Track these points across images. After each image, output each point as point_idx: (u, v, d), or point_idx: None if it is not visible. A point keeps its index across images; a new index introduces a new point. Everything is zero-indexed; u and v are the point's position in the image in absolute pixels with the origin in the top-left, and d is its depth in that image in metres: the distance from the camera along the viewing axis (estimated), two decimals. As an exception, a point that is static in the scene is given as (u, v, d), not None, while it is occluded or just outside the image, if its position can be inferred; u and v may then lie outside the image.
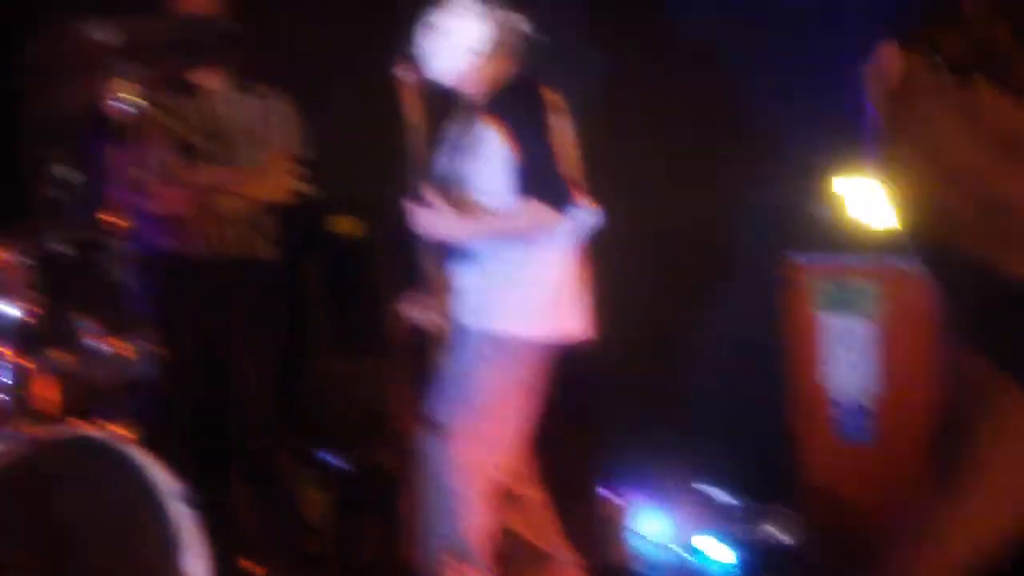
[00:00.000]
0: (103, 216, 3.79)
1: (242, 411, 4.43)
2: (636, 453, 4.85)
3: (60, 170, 3.78)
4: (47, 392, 3.62)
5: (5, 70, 4.12)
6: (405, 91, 3.97)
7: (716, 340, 4.92)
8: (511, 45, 3.98)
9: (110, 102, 3.86)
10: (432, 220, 3.95)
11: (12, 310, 3.51)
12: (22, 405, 3.50)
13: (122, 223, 3.80)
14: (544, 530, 4.14)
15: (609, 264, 4.11)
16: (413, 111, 3.97)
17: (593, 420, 4.96)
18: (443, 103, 4.05)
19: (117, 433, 3.49)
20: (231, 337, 4.51)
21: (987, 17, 2.65)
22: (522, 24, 3.98)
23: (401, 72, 3.97)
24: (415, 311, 4.08)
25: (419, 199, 3.94)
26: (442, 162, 4.02)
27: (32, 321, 3.53)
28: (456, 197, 3.94)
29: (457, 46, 3.94)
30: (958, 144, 2.63)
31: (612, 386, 5.00)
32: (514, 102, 3.91)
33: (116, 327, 3.66)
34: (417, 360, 4.17)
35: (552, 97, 3.95)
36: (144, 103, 4.46)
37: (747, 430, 4.70)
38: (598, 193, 3.96)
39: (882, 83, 2.72)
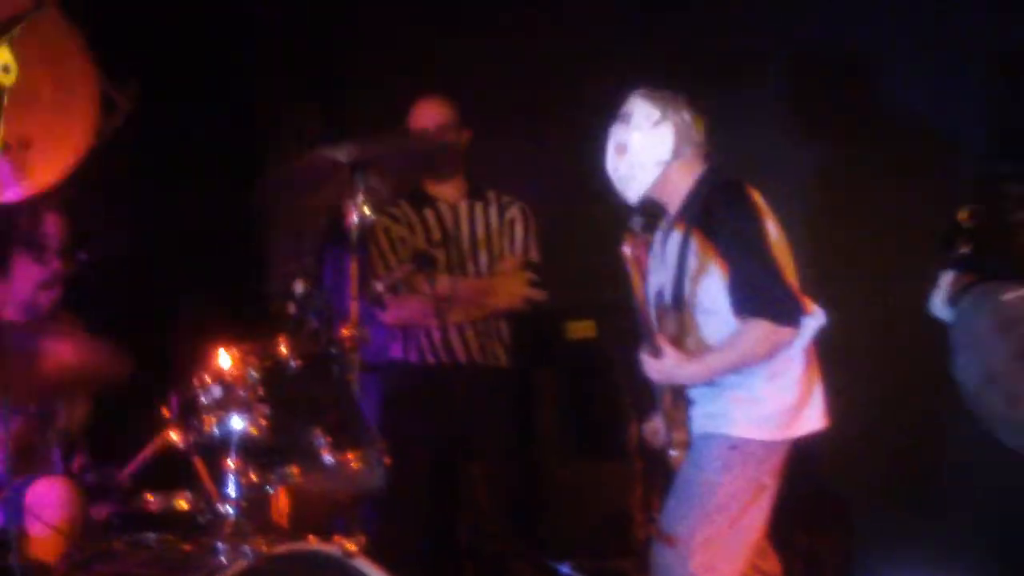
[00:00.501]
0: (338, 328, 3.85)
1: (477, 520, 4.42)
2: (887, 547, 4.65)
3: (298, 284, 3.85)
4: (279, 506, 3.67)
5: (248, 186, 4.24)
6: (632, 263, 3.88)
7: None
8: (697, 146, 3.88)
9: (347, 216, 3.95)
10: (662, 368, 3.80)
11: (244, 424, 3.57)
12: (252, 520, 3.54)
13: (357, 335, 3.85)
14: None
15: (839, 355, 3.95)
16: (638, 279, 3.89)
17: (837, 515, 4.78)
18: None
19: (349, 547, 3.48)
20: (467, 445, 4.52)
21: None
22: (703, 123, 3.88)
23: (627, 248, 3.87)
24: (651, 431, 4.00)
25: (648, 347, 3.83)
26: (658, 283, 3.92)
27: (264, 435, 3.58)
28: (680, 325, 3.83)
29: (643, 161, 3.88)
30: None
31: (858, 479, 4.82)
32: (713, 210, 3.76)
33: (347, 439, 3.68)
34: (656, 467, 4.08)
35: (754, 196, 3.80)
36: (381, 216, 4.64)
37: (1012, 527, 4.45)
38: (822, 287, 3.81)
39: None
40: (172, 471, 3.74)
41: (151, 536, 3.61)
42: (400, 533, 4.08)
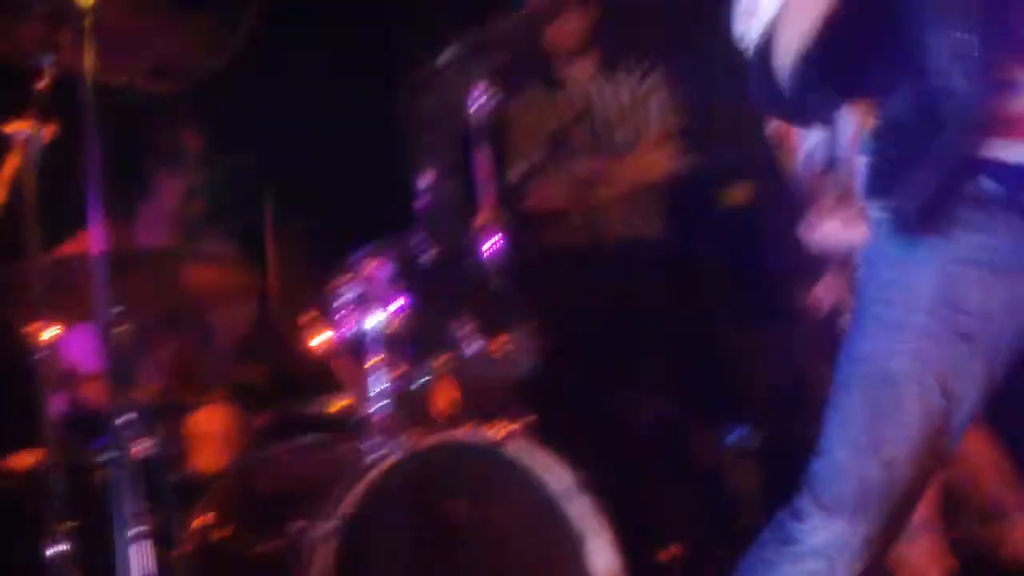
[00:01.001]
0: (476, 218, 3.80)
1: (645, 394, 4.33)
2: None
3: (429, 178, 3.81)
4: (435, 398, 3.65)
5: (378, 88, 4.20)
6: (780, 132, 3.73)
7: None
8: None
9: (475, 105, 3.88)
10: (824, 234, 3.66)
11: (383, 320, 3.57)
12: (407, 413, 3.53)
13: (496, 223, 3.79)
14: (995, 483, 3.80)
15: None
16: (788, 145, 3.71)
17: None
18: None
19: (509, 433, 3.46)
20: (625, 320, 4.43)
21: None
22: None
23: None
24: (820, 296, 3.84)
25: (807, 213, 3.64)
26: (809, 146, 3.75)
27: (405, 329, 3.57)
28: (837, 186, 3.65)
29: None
30: None
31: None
32: None
33: (494, 327, 3.64)
34: (825, 332, 3.93)
35: None
36: (511, 103, 4.56)
37: None
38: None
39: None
40: (324, 374, 3.79)
41: (307, 439, 3.68)
42: (567, 419, 3.99)
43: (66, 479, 3.09)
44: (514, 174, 4.36)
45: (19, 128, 3.15)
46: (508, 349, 3.67)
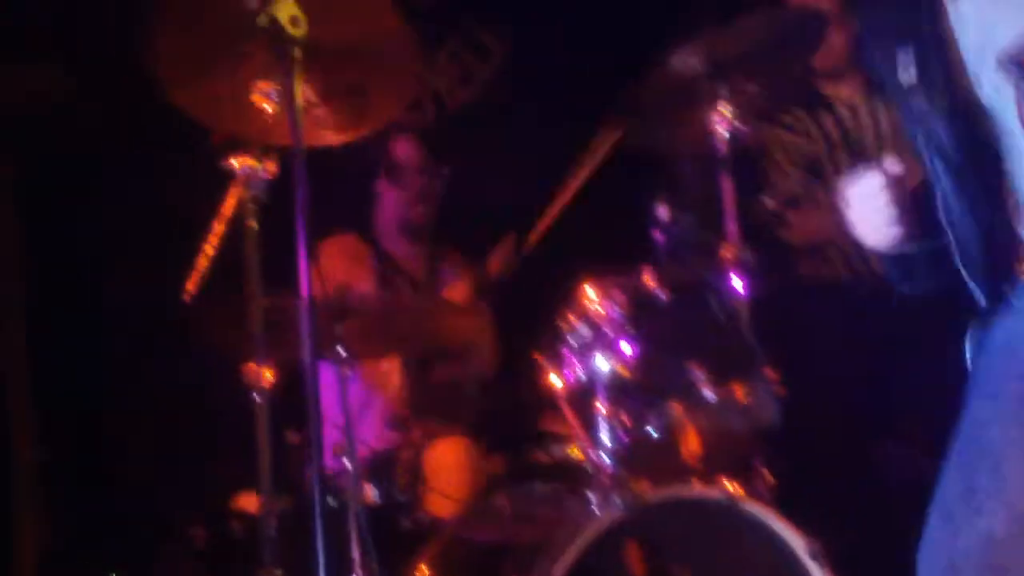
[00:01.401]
0: (719, 253, 3.54)
1: (910, 450, 3.94)
2: None
3: (662, 210, 3.57)
4: (669, 449, 3.40)
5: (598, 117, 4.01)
6: None
7: None
8: None
9: (715, 132, 3.63)
10: None
11: (610, 364, 3.34)
12: (638, 464, 3.30)
13: (741, 259, 3.53)
14: None
15: None
16: None
17: None
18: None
19: (734, 490, 3.20)
20: (890, 361, 4.06)
21: None
22: None
23: None
24: None
25: None
26: None
27: (634, 374, 3.34)
28: None
29: None
30: None
31: None
32: None
33: (736, 372, 3.37)
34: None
35: None
36: (772, 127, 4.26)
37: None
38: None
39: None
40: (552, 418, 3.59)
41: (531, 489, 3.49)
42: (804, 476, 3.66)
43: (284, 523, 3.06)
44: (770, 203, 4.06)
45: (242, 162, 3.12)
46: (751, 396, 3.41)
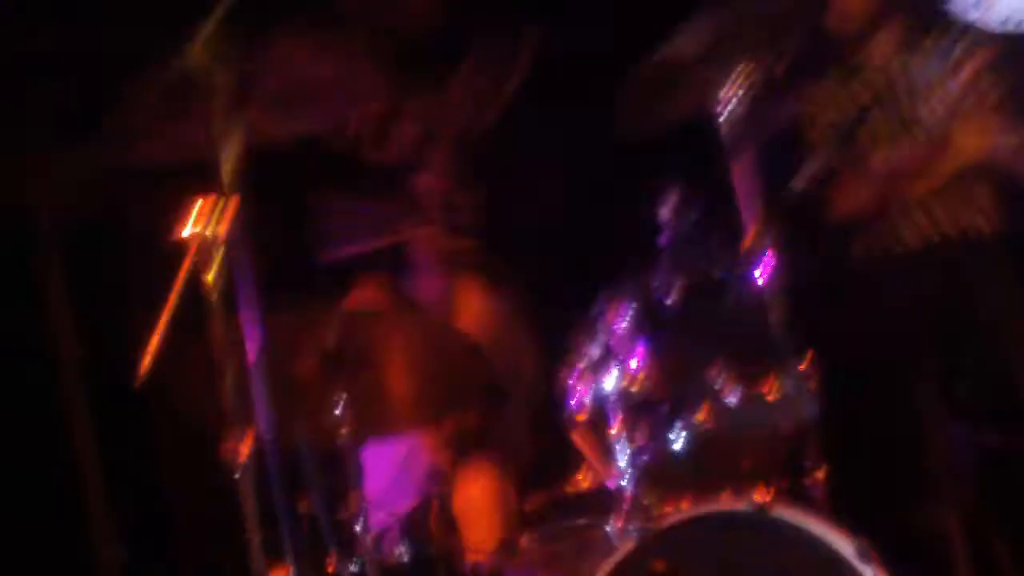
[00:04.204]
0: (740, 243, 3.34)
1: (972, 429, 3.65)
2: None
3: (665, 208, 3.39)
4: (697, 460, 3.20)
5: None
6: None
7: None
8: None
9: (730, 104, 3.44)
10: None
11: (628, 377, 3.17)
12: (663, 484, 3.12)
13: (765, 246, 3.32)
14: None
15: None
16: None
17: None
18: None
19: (763, 498, 2.99)
20: (957, 340, 3.78)
21: None
22: None
23: None
24: None
25: None
26: None
27: (647, 387, 3.16)
28: None
29: None
30: None
31: None
32: None
33: (756, 371, 3.17)
34: None
35: None
36: (802, 104, 4.04)
37: None
38: None
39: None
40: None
41: (561, 524, 3.35)
42: (849, 474, 3.41)
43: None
44: (800, 180, 3.81)
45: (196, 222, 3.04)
46: (780, 394, 3.20)
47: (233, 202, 2.90)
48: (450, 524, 3.65)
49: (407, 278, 4.29)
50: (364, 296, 4.11)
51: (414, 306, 4.24)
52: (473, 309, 4.22)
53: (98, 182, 4.38)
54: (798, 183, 3.72)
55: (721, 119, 3.45)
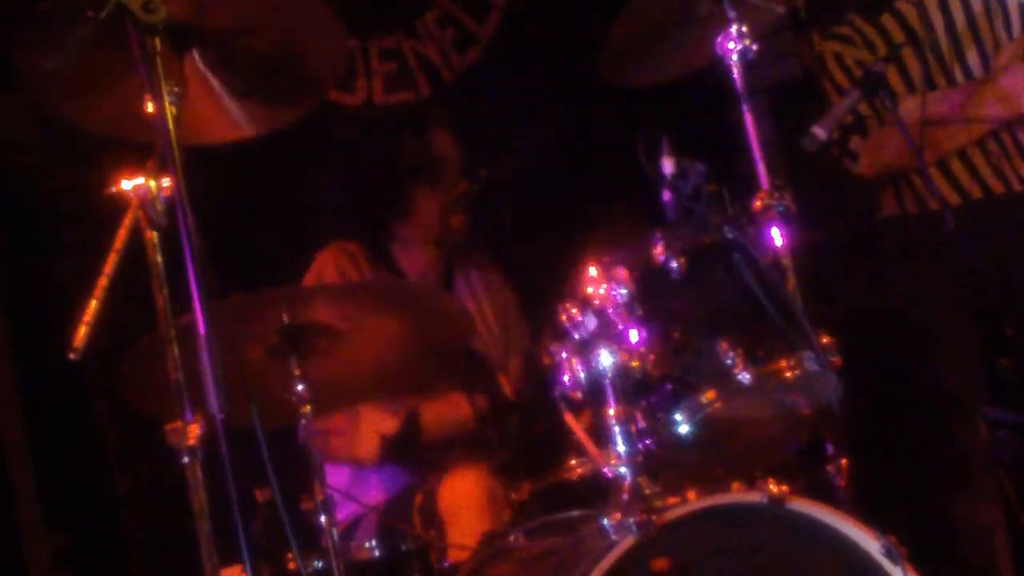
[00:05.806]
0: (750, 203, 3.04)
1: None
2: None
3: (667, 162, 3.08)
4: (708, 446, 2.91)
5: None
6: None
7: None
8: None
9: (734, 51, 3.16)
10: None
11: (627, 355, 2.86)
12: (655, 473, 2.84)
13: (778, 206, 3.03)
14: None
15: None
16: None
17: None
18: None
19: (777, 489, 2.70)
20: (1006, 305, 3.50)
21: None
22: None
23: None
24: None
25: None
26: None
27: (653, 364, 2.86)
28: None
29: None
30: None
31: None
32: None
33: (771, 346, 2.87)
34: None
35: None
36: (826, 40, 3.76)
37: None
38: None
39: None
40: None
41: (553, 518, 3.05)
42: (874, 459, 3.13)
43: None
44: (822, 134, 3.50)
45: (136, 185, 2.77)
46: (798, 372, 2.90)
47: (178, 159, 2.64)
48: (433, 519, 3.42)
49: (390, 249, 4.01)
50: (329, 267, 3.87)
51: (398, 277, 3.97)
52: (465, 284, 4.03)
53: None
54: (819, 132, 3.42)
55: (732, 59, 3.20)
